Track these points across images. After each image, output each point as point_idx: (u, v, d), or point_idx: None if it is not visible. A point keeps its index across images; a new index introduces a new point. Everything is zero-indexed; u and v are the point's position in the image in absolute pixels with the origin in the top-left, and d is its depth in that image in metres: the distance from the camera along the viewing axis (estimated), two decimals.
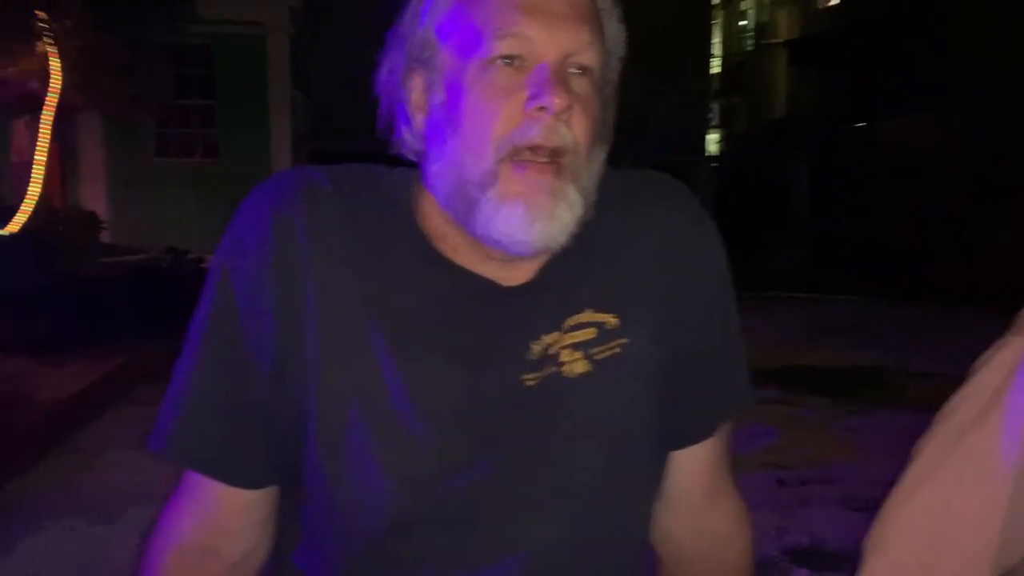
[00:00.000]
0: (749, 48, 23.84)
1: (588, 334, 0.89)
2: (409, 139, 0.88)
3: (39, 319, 5.21)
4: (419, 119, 0.87)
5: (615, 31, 0.88)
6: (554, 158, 0.82)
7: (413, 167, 0.90)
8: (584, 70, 0.83)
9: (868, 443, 4.46)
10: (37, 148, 5.86)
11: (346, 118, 9.81)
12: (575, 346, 0.89)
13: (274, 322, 0.86)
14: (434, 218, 0.88)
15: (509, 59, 0.81)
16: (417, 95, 0.86)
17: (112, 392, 4.77)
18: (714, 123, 24.64)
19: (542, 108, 0.80)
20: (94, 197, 8.66)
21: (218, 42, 9.23)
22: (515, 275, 0.88)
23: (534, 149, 0.81)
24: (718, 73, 24.52)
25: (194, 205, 8.96)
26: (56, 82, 5.73)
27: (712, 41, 22.68)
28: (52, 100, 5.78)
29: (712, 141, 24.09)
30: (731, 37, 25.33)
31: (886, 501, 0.89)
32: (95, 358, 5.00)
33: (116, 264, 6.39)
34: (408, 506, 0.86)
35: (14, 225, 5.49)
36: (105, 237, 7.40)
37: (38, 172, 5.84)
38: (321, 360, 0.85)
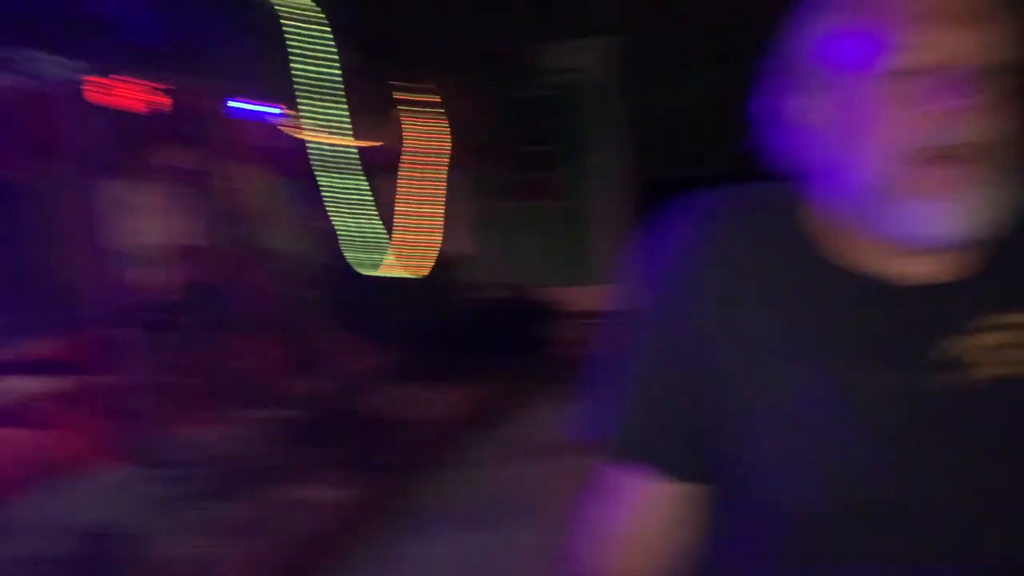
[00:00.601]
0: None
1: (1009, 337, 0.88)
2: (791, 156, 0.94)
3: (423, 351, 5.92)
4: (807, 136, 0.91)
5: (1012, 20, 0.87)
6: (963, 155, 0.83)
7: (783, 182, 0.96)
8: (983, 68, 0.83)
9: None
10: (432, 202, 6.77)
11: (674, 146, 9.95)
12: (993, 348, 0.88)
13: (693, 329, 0.96)
14: (826, 227, 0.93)
15: (907, 69, 0.83)
16: (804, 114, 0.91)
17: (486, 415, 5.29)
18: None
19: (944, 112, 0.82)
20: (460, 240, 9.60)
21: (556, 90, 9.84)
22: (919, 275, 0.90)
23: (941, 151, 0.83)
24: None
25: (542, 244, 9.60)
26: (444, 142, 6.61)
27: None
28: (442, 159, 6.67)
29: None
30: None
31: None
32: (469, 385, 5.57)
33: (481, 300, 7.06)
34: (824, 501, 0.91)
35: (422, 271, 6.32)
36: (470, 276, 8.19)
37: (436, 223, 6.71)
38: (733, 363, 0.94)
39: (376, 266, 5.98)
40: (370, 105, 6.35)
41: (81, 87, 4.23)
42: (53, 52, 3.79)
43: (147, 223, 5.56)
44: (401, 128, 6.75)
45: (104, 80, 4.30)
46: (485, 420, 5.21)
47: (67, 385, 4.88)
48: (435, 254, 6.80)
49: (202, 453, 4.32)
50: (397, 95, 6.69)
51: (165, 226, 5.69)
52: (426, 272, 6.59)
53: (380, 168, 7.07)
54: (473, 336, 6.23)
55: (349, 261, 5.85)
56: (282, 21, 4.88)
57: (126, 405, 4.50)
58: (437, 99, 6.64)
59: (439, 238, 7.07)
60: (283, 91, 5.27)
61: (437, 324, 6.05)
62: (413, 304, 6.11)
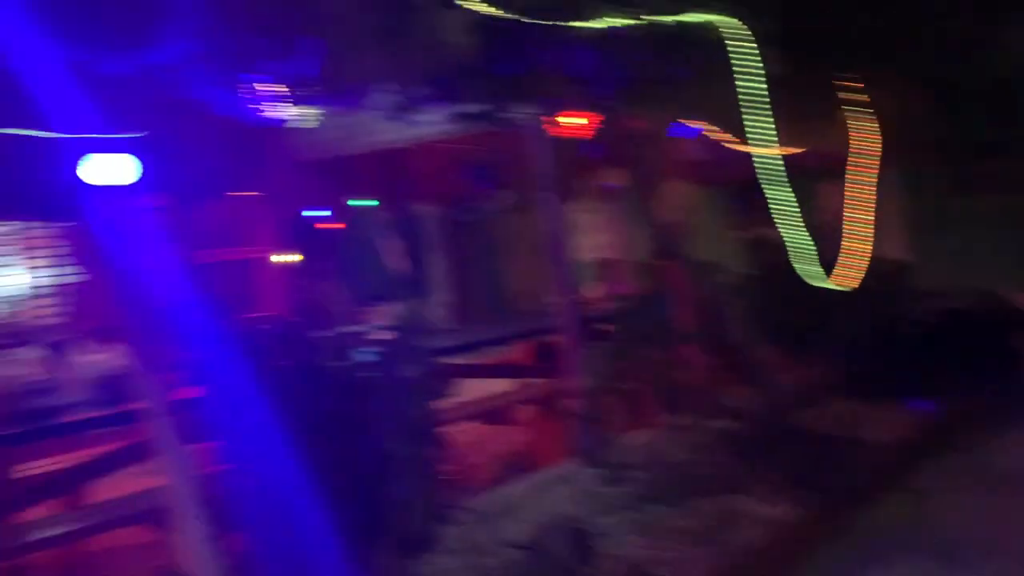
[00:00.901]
0: None
1: None
2: None
3: (861, 365, 5.60)
4: None
5: None
6: None
7: None
8: None
9: None
10: (862, 207, 6.41)
11: None
12: None
13: None
14: None
15: None
16: None
17: (946, 438, 4.85)
18: None
19: None
20: (896, 243, 8.91)
21: (1013, 69, 8.68)
22: None
23: None
24: None
25: (1003, 244, 8.51)
26: (874, 144, 6.24)
27: None
28: (875, 160, 6.30)
29: None
30: None
31: None
32: (915, 403, 5.16)
33: (926, 310, 6.49)
34: None
35: (853, 281, 6.03)
36: (916, 283, 7.57)
37: (866, 230, 6.37)
38: None
39: (809, 276, 5.80)
40: (797, 111, 6.19)
41: (541, 127, 4.75)
42: (520, 102, 4.31)
43: (593, 240, 6.04)
44: (833, 132, 6.46)
45: (558, 117, 4.78)
46: (945, 443, 4.78)
47: (526, 388, 5.48)
48: (872, 262, 6.39)
49: (644, 457, 4.56)
50: (825, 97, 6.41)
51: (608, 242, 6.12)
52: (863, 281, 6.23)
53: (808, 175, 6.85)
54: (927, 349, 5.74)
55: (792, 271, 5.74)
56: (710, 44, 5.00)
57: (575, 407, 4.92)
58: (868, 97, 6.22)
59: (874, 244, 6.64)
60: (706, 109, 5.37)
61: (881, 336, 5.68)
62: (851, 315, 5.81)
